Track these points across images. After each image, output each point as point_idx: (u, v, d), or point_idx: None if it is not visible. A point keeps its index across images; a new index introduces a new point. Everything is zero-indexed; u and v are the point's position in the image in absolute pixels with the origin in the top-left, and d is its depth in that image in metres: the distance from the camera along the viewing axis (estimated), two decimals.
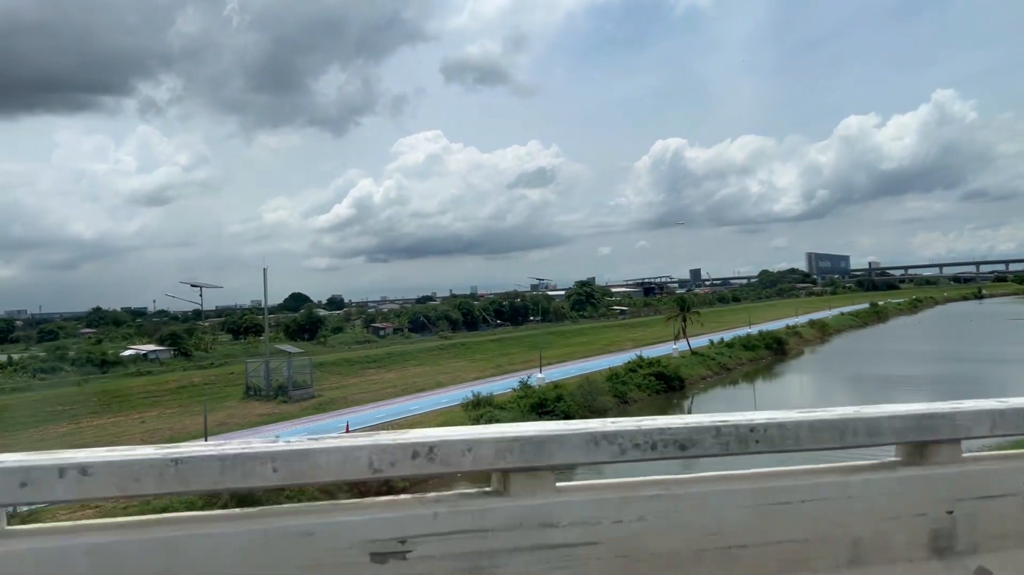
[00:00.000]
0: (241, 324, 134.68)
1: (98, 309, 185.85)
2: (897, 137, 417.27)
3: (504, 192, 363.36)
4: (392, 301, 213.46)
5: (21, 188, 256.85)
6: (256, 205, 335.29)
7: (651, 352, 64.21)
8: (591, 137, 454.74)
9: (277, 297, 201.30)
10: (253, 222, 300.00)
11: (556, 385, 43.91)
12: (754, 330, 76.94)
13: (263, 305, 67.67)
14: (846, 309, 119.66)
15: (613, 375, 48.74)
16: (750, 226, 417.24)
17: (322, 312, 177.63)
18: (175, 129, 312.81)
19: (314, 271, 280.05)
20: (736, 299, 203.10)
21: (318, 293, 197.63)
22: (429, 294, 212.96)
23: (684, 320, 69.26)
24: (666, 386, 51.51)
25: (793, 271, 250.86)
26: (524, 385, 43.38)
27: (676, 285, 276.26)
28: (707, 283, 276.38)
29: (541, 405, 37.81)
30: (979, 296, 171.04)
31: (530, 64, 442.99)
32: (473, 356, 70.11)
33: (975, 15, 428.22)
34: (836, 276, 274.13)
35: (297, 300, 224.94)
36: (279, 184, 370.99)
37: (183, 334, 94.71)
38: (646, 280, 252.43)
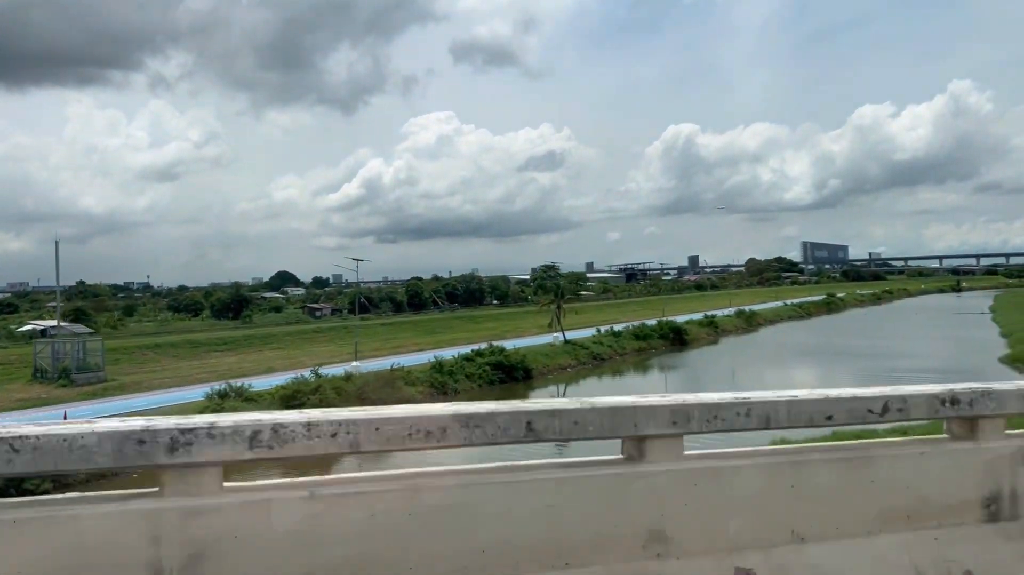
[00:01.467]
0: (181, 302, 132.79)
1: (81, 283, 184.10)
2: (911, 127, 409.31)
3: (514, 175, 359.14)
4: (394, 282, 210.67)
5: (32, 162, 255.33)
6: (265, 183, 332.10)
7: (538, 340, 60.95)
8: (602, 122, 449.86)
9: (267, 274, 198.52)
10: (262, 200, 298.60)
11: (348, 377, 40.48)
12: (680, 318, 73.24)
13: (56, 284, 64.12)
14: (799, 300, 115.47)
15: (436, 365, 45.11)
16: (761, 214, 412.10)
17: (301, 291, 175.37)
18: (186, 105, 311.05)
19: (323, 250, 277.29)
20: (715, 287, 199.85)
21: (323, 273, 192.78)
22: (419, 276, 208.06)
23: (559, 308, 65.47)
24: (505, 376, 47.85)
25: (780, 260, 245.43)
26: (316, 375, 40.01)
27: (675, 272, 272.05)
28: (706, 271, 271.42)
29: (293, 397, 34.39)
30: (957, 289, 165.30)
31: (540, 46, 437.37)
32: (351, 340, 66.64)
33: (995, 5, 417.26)
34: (826, 266, 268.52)
35: (283, 279, 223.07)
36: (289, 162, 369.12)
37: (90, 310, 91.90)
38: (629, 266, 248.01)
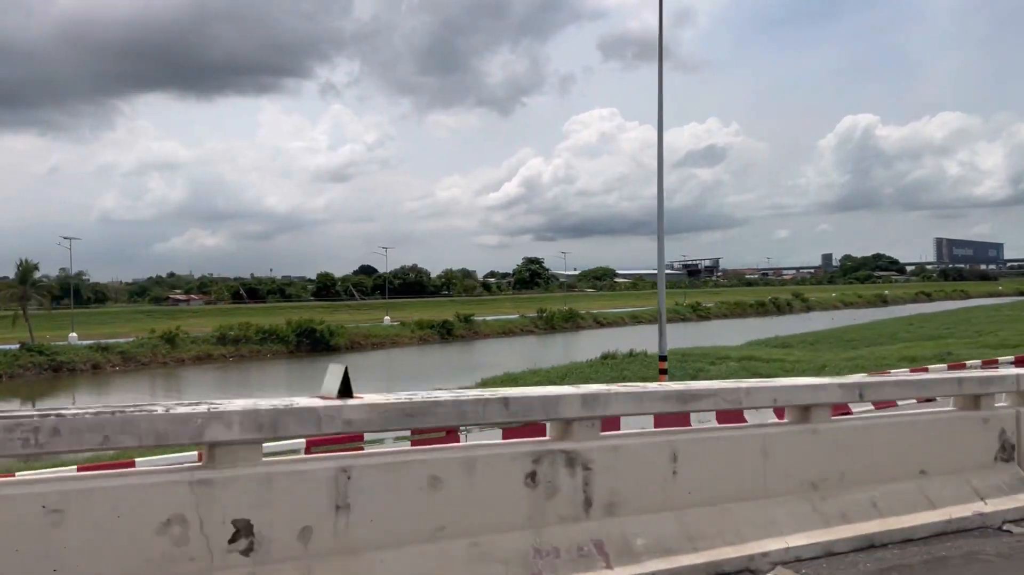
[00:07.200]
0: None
1: (172, 274, 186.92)
2: None
3: (672, 171, 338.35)
4: None
5: (223, 164, 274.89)
6: (431, 183, 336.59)
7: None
8: (769, 114, 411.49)
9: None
10: (428, 199, 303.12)
11: None
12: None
13: None
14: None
15: None
16: (945, 211, 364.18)
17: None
18: (358, 110, 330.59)
19: (484, 248, 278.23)
20: (769, 284, 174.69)
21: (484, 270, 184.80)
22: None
23: (24, 309, 48.75)
24: None
25: (878, 257, 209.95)
26: None
27: (811, 271, 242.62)
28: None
29: None
30: None
31: (695, 39, 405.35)
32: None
33: None
34: (928, 266, 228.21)
35: (365, 271, 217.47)
36: (452, 162, 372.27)
37: None
38: (693, 262, 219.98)
